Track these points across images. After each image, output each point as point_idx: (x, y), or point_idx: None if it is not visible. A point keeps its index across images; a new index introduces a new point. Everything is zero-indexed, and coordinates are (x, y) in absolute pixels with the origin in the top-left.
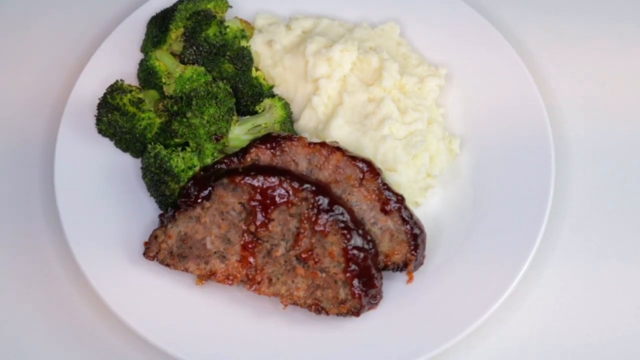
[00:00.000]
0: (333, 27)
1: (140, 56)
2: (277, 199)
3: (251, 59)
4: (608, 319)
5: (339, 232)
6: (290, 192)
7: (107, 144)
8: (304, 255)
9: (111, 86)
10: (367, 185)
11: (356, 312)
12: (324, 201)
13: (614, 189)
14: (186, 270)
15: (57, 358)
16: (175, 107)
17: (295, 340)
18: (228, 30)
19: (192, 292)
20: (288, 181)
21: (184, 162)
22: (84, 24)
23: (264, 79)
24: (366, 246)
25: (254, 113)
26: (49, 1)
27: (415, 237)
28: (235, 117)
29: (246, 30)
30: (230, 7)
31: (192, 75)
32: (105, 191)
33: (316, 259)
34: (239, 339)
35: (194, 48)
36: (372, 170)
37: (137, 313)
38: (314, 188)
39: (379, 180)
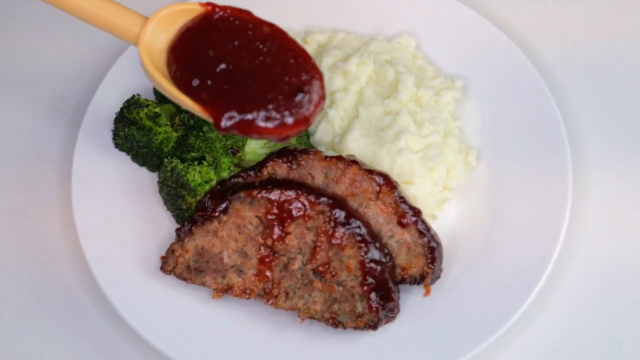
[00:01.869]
0: (349, 40)
1: None
2: (293, 212)
3: None
4: (628, 330)
5: (356, 245)
6: (307, 206)
7: (124, 158)
8: (320, 269)
9: (128, 100)
10: (384, 198)
11: (373, 326)
12: (340, 214)
13: (632, 200)
14: (203, 284)
15: None
16: (192, 121)
17: (313, 354)
18: None
19: (209, 306)
20: (305, 195)
21: (201, 176)
22: (101, 38)
23: None
24: (383, 259)
25: None
26: (67, 16)
27: (432, 250)
28: None
29: None
30: None
31: None
32: (122, 205)
33: (333, 273)
34: (256, 353)
35: None
36: (388, 183)
37: (155, 327)
38: (330, 201)
39: (396, 194)
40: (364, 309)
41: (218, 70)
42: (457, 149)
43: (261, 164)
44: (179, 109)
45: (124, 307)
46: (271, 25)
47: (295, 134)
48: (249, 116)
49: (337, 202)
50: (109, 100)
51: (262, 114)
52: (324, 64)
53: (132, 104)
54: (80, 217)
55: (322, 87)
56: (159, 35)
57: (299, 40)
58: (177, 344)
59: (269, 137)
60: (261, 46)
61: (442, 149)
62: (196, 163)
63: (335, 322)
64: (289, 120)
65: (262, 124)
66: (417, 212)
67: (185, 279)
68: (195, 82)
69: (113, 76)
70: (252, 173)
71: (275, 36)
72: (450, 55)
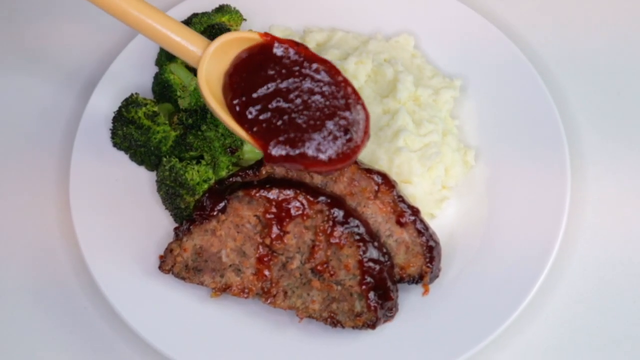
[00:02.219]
0: (347, 39)
1: (155, 69)
2: (292, 211)
3: None
4: (626, 330)
5: (355, 244)
6: (306, 205)
7: (122, 157)
8: (319, 268)
9: (126, 99)
10: (382, 197)
11: (372, 325)
12: (339, 214)
13: (631, 199)
14: (201, 283)
15: None
16: (190, 120)
17: (311, 353)
18: None
19: (208, 306)
20: (303, 194)
21: (199, 175)
22: (99, 37)
23: None
24: (382, 258)
25: None
26: (65, 15)
27: (430, 249)
28: None
29: None
30: (245, 20)
31: None
32: (120, 204)
33: (331, 272)
34: (254, 352)
35: None
36: (387, 182)
37: (153, 326)
38: (329, 200)
39: (394, 193)
40: (363, 308)
41: (272, 105)
42: (455, 148)
43: (260, 163)
44: (177, 108)
45: (122, 306)
46: (325, 62)
47: (339, 169)
48: (298, 151)
49: (336, 201)
50: (107, 99)
51: (311, 150)
52: None
53: (131, 102)
54: (78, 216)
55: (367, 126)
56: (218, 59)
57: (296, 40)
58: (175, 343)
59: (315, 170)
60: (314, 84)
61: (440, 148)
62: (194, 162)
63: (333, 321)
64: (334, 157)
65: (310, 156)
66: (415, 211)
67: (183, 278)
68: (250, 115)
69: (111, 75)
70: (250, 172)
71: (329, 74)
72: (448, 54)
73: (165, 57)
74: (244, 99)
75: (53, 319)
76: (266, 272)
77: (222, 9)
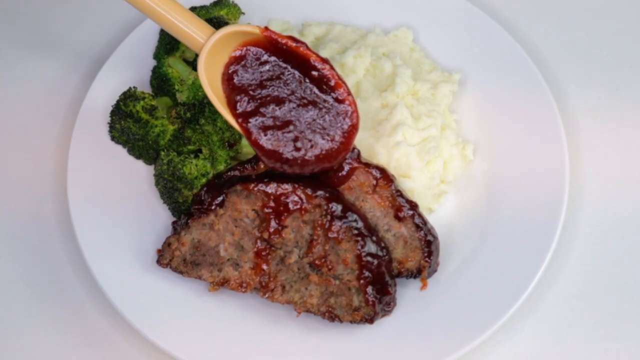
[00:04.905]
0: (346, 33)
1: (153, 63)
2: (290, 205)
3: None
4: (624, 324)
5: (353, 238)
6: (304, 199)
7: (120, 151)
8: (317, 262)
9: (124, 93)
10: (381, 191)
11: (370, 319)
12: (337, 208)
13: (629, 195)
14: (199, 277)
15: None
16: (188, 114)
17: (309, 347)
18: None
19: (205, 300)
20: (301, 188)
21: (197, 169)
22: (97, 30)
23: None
24: (380, 253)
25: None
26: (62, 9)
27: (428, 244)
28: None
29: None
30: (243, 13)
31: None
32: (118, 198)
33: (329, 266)
34: (252, 347)
35: None
36: (385, 176)
37: (150, 320)
38: (327, 195)
39: (393, 187)
40: (361, 303)
41: (263, 96)
42: (454, 143)
43: (258, 157)
44: (175, 102)
45: (120, 300)
46: (324, 61)
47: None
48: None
49: (334, 195)
50: (105, 93)
51: (294, 146)
52: None
53: (129, 96)
54: (76, 210)
55: (349, 137)
56: (219, 50)
57: (295, 34)
58: (173, 337)
59: (294, 170)
60: (306, 83)
61: (439, 143)
62: (193, 156)
63: (331, 316)
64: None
65: (290, 154)
66: (413, 206)
67: (181, 272)
68: (241, 107)
69: (109, 68)
70: (248, 166)
71: (321, 73)
72: (447, 49)
73: (163, 51)
74: (236, 89)
75: (50, 313)
76: (264, 267)
77: (220, 2)
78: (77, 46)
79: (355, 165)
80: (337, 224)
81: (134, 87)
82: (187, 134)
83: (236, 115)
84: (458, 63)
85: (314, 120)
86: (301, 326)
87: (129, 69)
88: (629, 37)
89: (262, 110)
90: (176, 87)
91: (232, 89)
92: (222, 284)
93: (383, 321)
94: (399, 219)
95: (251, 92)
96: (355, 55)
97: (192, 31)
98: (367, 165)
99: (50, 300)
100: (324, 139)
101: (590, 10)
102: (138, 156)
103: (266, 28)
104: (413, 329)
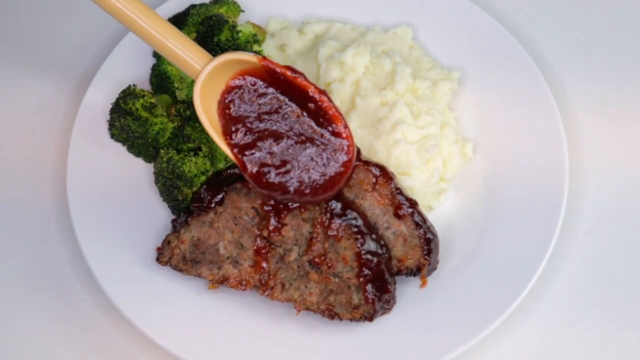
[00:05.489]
0: (345, 31)
1: (152, 61)
2: (290, 203)
3: None
4: (624, 321)
5: (352, 236)
6: None
7: (120, 149)
8: (316, 260)
9: (124, 91)
10: (380, 189)
11: (369, 317)
12: (336, 206)
13: (629, 193)
14: (199, 275)
15: None
16: (188, 112)
17: (309, 346)
18: (240, 34)
19: (205, 298)
20: None
21: (197, 167)
22: (97, 28)
23: None
24: (379, 251)
25: None
26: (62, 7)
27: (428, 242)
28: None
29: (258, 34)
30: (243, 11)
31: None
32: (117, 196)
33: (329, 264)
34: (252, 345)
35: None
36: (385, 174)
37: (150, 318)
38: None
39: (392, 185)
40: (360, 301)
41: (260, 130)
42: (453, 140)
43: None
44: (175, 100)
45: (120, 298)
46: (322, 92)
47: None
48: (278, 179)
49: None
50: (104, 91)
51: (290, 177)
52: (320, 55)
53: (128, 94)
54: (75, 208)
55: (351, 156)
56: (217, 76)
57: (294, 31)
58: (173, 335)
59: (288, 199)
60: (304, 117)
61: (438, 140)
62: (192, 154)
63: (331, 314)
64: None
65: (285, 183)
66: (413, 204)
67: (181, 270)
68: (237, 137)
69: (109, 66)
70: None
71: (318, 105)
72: (447, 46)
73: None
74: (232, 119)
75: (50, 311)
76: (264, 264)
77: (220, 0)
78: (77, 45)
79: (355, 163)
80: (337, 221)
81: (134, 84)
82: (186, 132)
83: (231, 145)
84: (457, 61)
85: (311, 159)
86: (301, 324)
87: (128, 67)
88: (629, 35)
89: (259, 144)
90: (176, 85)
91: (229, 119)
92: (221, 281)
93: (383, 319)
94: (398, 216)
95: (248, 124)
96: (355, 53)
97: (189, 57)
98: (367, 163)
99: (50, 298)
100: (320, 176)
101: (590, 9)
102: (138, 154)
103: (264, 57)
104: (413, 326)
